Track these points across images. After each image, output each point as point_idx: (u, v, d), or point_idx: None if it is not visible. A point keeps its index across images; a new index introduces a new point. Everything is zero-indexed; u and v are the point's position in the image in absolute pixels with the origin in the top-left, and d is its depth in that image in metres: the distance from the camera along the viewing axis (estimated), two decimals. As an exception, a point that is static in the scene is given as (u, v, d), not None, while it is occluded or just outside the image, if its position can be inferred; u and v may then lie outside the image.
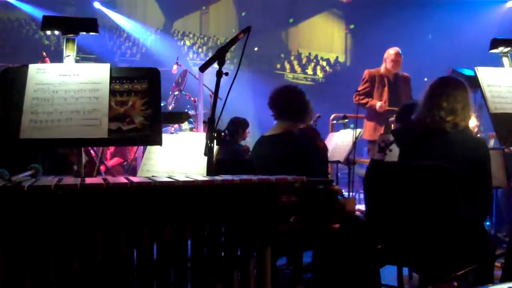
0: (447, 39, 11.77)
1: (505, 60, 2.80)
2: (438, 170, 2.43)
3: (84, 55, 11.98)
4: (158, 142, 2.08)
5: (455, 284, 2.43)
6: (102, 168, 4.13)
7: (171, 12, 14.80)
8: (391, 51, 5.61)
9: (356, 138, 4.92)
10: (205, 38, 15.42)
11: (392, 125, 5.20)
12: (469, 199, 2.48)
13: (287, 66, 15.55)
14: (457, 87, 2.63)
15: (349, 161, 5.06)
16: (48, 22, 2.37)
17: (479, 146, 2.53)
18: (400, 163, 2.81)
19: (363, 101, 5.58)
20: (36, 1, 11.93)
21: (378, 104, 5.48)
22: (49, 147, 2.37)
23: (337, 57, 16.32)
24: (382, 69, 5.68)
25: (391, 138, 3.14)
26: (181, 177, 1.72)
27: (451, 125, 2.54)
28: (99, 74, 2.16)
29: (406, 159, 2.72)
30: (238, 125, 5.40)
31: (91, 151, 3.67)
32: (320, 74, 15.51)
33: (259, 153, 3.16)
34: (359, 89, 5.64)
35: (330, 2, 15.13)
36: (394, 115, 5.08)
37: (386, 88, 5.59)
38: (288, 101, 3.09)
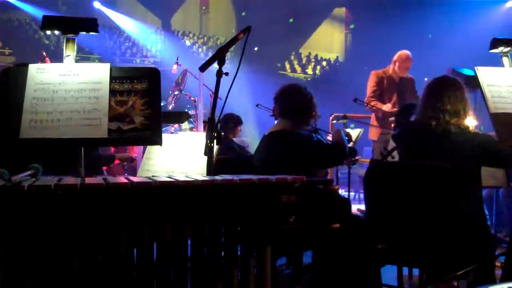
0: (447, 39, 11.77)
1: (505, 60, 2.80)
2: (438, 170, 2.43)
3: (84, 55, 11.99)
4: (158, 142, 2.07)
5: (455, 284, 2.42)
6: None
7: (171, 11, 14.79)
8: (403, 55, 5.55)
9: (355, 138, 4.91)
10: (205, 38, 15.42)
11: (392, 125, 5.20)
12: (468, 197, 2.48)
13: (287, 66, 15.55)
14: (457, 87, 2.65)
15: (349, 161, 5.05)
16: (48, 22, 2.36)
17: (477, 136, 2.59)
18: (400, 163, 2.81)
19: (376, 107, 5.52)
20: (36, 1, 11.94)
21: (384, 106, 5.44)
22: (49, 147, 2.37)
23: (337, 57, 16.32)
24: (390, 70, 5.64)
25: (393, 144, 3.14)
26: (181, 177, 1.72)
27: (456, 127, 2.56)
28: (99, 74, 2.16)
29: (408, 160, 2.72)
30: (229, 120, 5.37)
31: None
32: (318, 73, 15.51)
33: (257, 151, 3.20)
34: (369, 93, 5.60)
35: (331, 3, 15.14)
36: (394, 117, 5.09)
37: (395, 90, 5.57)
38: (291, 99, 3.07)
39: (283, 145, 2.97)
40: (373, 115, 5.78)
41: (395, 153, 3.22)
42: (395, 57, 5.61)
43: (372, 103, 5.53)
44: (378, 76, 5.61)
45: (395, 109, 5.38)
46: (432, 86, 2.71)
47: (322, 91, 8.60)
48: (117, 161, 6.15)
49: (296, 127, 3.05)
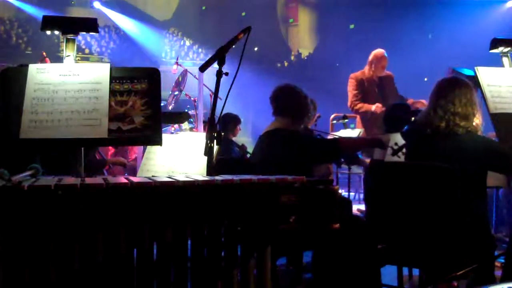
0: (447, 39, 11.77)
1: (505, 60, 2.80)
2: (439, 170, 2.43)
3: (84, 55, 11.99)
4: (158, 142, 2.07)
5: (455, 284, 2.43)
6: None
7: (172, 11, 14.79)
8: (378, 54, 5.54)
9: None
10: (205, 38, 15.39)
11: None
12: (471, 198, 2.48)
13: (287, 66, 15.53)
14: (468, 89, 2.62)
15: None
16: (48, 22, 2.36)
17: (483, 140, 2.58)
18: (400, 163, 2.81)
19: (363, 109, 5.52)
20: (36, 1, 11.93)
21: (373, 107, 5.44)
22: (49, 147, 2.38)
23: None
24: (366, 71, 5.61)
25: (402, 140, 3.13)
26: (181, 177, 1.72)
27: (464, 129, 2.56)
28: (99, 74, 2.16)
29: (414, 160, 2.72)
30: (228, 120, 5.37)
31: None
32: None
33: (255, 149, 3.25)
34: (352, 97, 5.58)
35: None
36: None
37: (376, 91, 5.56)
38: (286, 98, 3.14)
39: (280, 143, 3.01)
40: (358, 119, 5.75)
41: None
42: (370, 58, 5.59)
43: (358, 106, 5.50)
44: (357, 79, 5.59)
45: (384, 108, 5.37)
46: (443, 86, 2.67)
47: (322, 91, 8.61)
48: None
49: (291, 125, 3.09)
